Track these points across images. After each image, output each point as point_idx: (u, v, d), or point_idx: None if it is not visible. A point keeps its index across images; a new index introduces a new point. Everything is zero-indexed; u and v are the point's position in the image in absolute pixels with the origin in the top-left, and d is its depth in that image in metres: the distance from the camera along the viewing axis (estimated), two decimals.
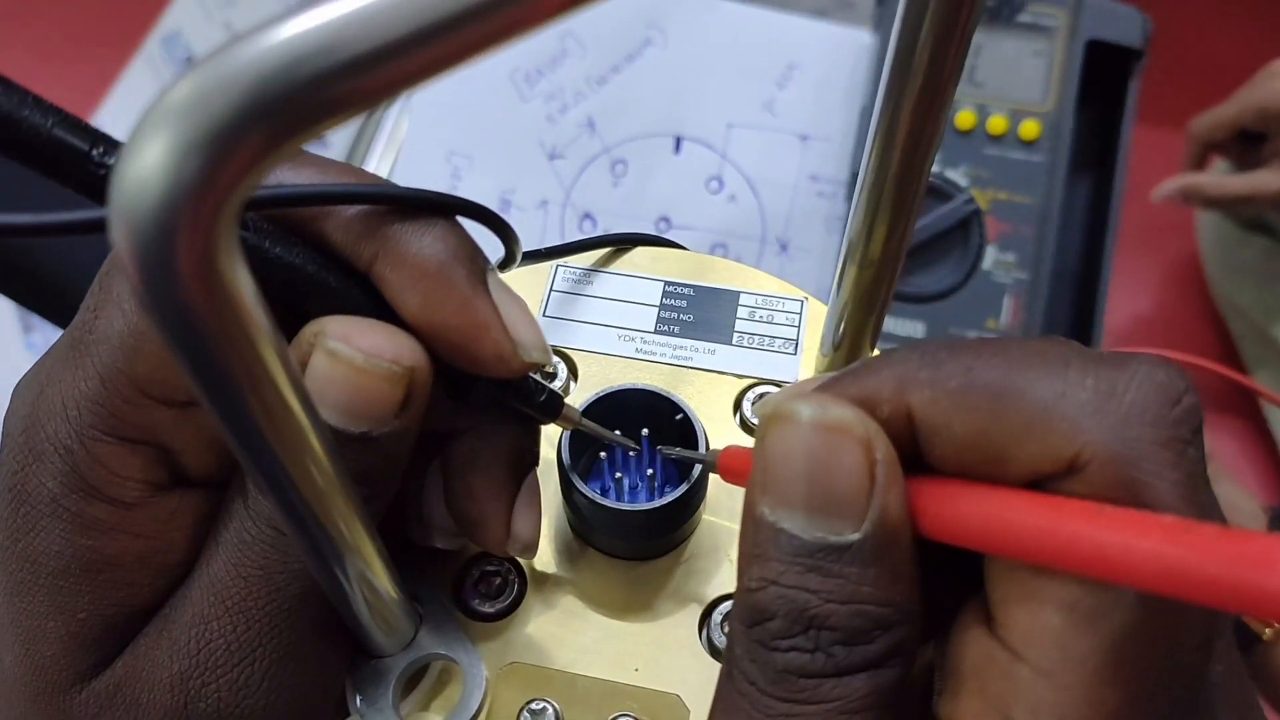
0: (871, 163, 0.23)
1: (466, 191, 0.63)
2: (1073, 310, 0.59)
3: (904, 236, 0.25)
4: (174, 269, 0.12)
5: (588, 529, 0.27)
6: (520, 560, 0.27)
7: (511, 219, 0.64)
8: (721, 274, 0.32)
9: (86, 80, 1.04)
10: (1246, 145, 0.74)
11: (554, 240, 0.64)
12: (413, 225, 0.20)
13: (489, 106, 0.63)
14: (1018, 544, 0.17)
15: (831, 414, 0.18)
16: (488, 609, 0.26)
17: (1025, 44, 0.59)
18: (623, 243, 0.32)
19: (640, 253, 0.32)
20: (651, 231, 0.65)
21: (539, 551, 0.25)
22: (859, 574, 0.17)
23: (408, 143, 0.62)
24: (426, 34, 0.12)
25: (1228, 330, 0.90)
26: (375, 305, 0.20)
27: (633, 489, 0.27)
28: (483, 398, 0.22)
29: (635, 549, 0.27)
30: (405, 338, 0.20)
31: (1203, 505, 0.16)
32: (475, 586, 0.26)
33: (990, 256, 0.57)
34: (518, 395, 0.23)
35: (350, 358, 0.19)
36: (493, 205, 0.63)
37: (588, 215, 0.64)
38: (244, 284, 0.13)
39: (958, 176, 0.58)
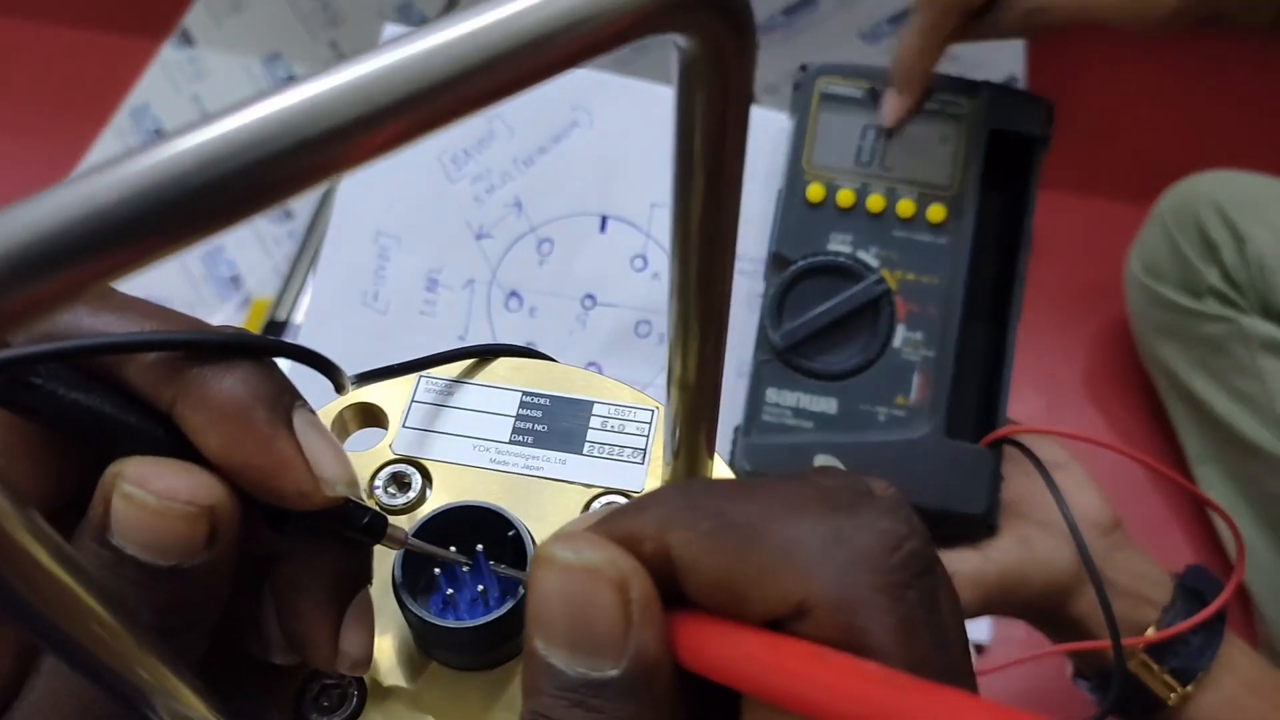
0: (675, 280, 0.22)
1: (394, 271, 0.65)
2: (981, 385, 0.61)
3: (718, 357, 0.25)
4: None
5: (424, 643, 0.28)
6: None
7: (439, 298, 0.66)
8: (579, 385, 0.33)
9: (58, 150, 1.07)
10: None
11: (480, 319, 0.65)
12: (213, 369, 0.21)
13: (417, 187, 0.65)
14: (750, 680, 0.18)
15: (584, 557, 0.19)
16: None
17: (932, 130, 0.61)
18: (486, 354, 0.33)
19: (503, 363, 0.34)
20: (576, 307, 0.66)
21: (383, 663, 0.26)
22: (619, 707, 0.18)
23: (334, 224, 0.63)
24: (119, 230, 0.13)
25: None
26: (178, 444, 0.21)
27: (472, 602, 0.29)
28: (300, 526, 0.24)
29: (470, 661, 0.28)
30: (205, 476, 0.21)
31: (920, 645, 0.18)
32: (315, 700, 0.27)
33: (900, 335, 0.59)
34: (340, 520, 0.24)
35: (143, 500, 0.20)
36: (419, 285, 0.65)
37: (514, 293, 0.65)
38: None
39: (869, 258, 0.60)
